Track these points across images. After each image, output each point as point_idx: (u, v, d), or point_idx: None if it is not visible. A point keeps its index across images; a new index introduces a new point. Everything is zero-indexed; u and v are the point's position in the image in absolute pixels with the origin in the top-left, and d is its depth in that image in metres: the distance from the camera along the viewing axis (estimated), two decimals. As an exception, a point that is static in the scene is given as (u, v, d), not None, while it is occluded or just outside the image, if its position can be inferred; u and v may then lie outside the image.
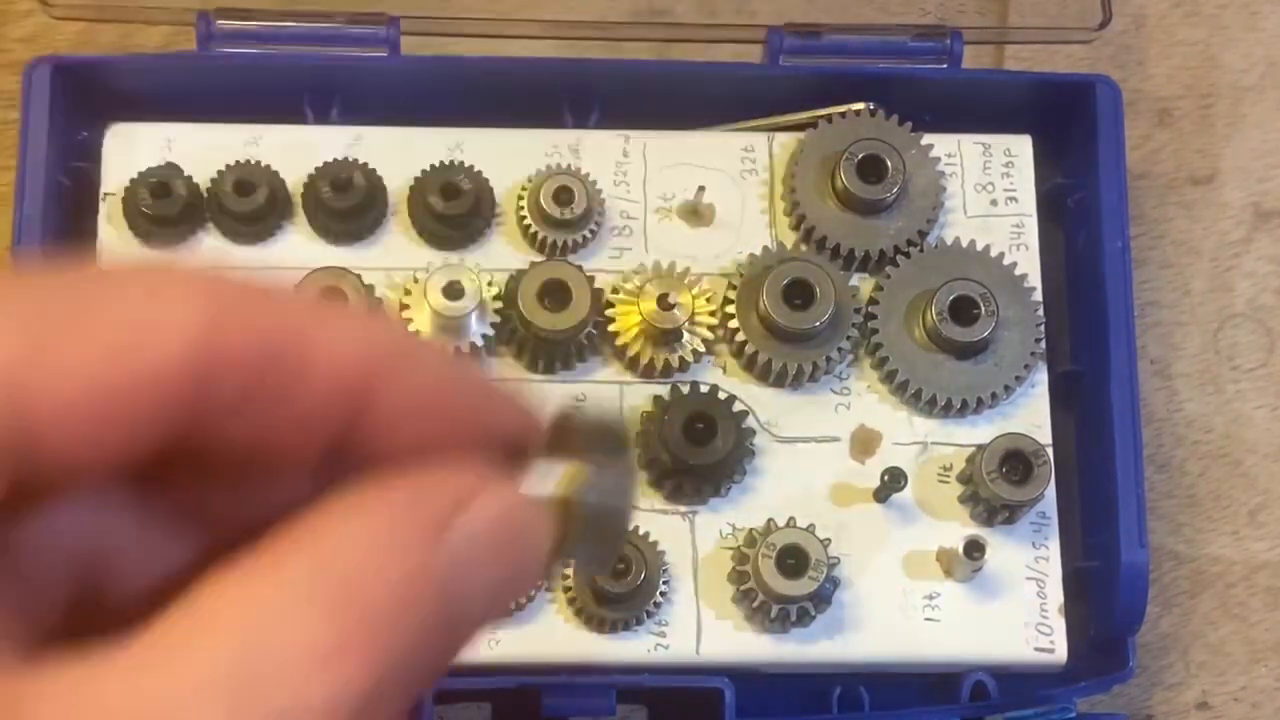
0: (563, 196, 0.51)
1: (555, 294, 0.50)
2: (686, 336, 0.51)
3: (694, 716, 0.49)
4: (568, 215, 0.51)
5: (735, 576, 0.49)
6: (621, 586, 0.48)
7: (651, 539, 0.49)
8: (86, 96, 0.52)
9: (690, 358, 0.51)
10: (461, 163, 0.52)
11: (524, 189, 0.52)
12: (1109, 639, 0.51)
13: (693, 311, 0.51)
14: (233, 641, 0.22)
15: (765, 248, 0.52)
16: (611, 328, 0.51)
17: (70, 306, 0.24)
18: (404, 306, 0.50)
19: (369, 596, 0.23)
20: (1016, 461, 0.50)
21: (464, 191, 0.51)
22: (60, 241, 0.52)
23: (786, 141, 0.53)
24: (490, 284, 0.50)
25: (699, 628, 0.49)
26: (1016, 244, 0.53)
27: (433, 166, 0.52)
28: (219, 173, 0.51)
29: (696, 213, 0.53)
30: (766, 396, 0.51)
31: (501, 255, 0.52)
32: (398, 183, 0.52)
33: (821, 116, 0.54)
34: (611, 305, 0.51)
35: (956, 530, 0.50)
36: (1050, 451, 0.51)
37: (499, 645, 0.49)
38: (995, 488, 0.49)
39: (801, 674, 0.49)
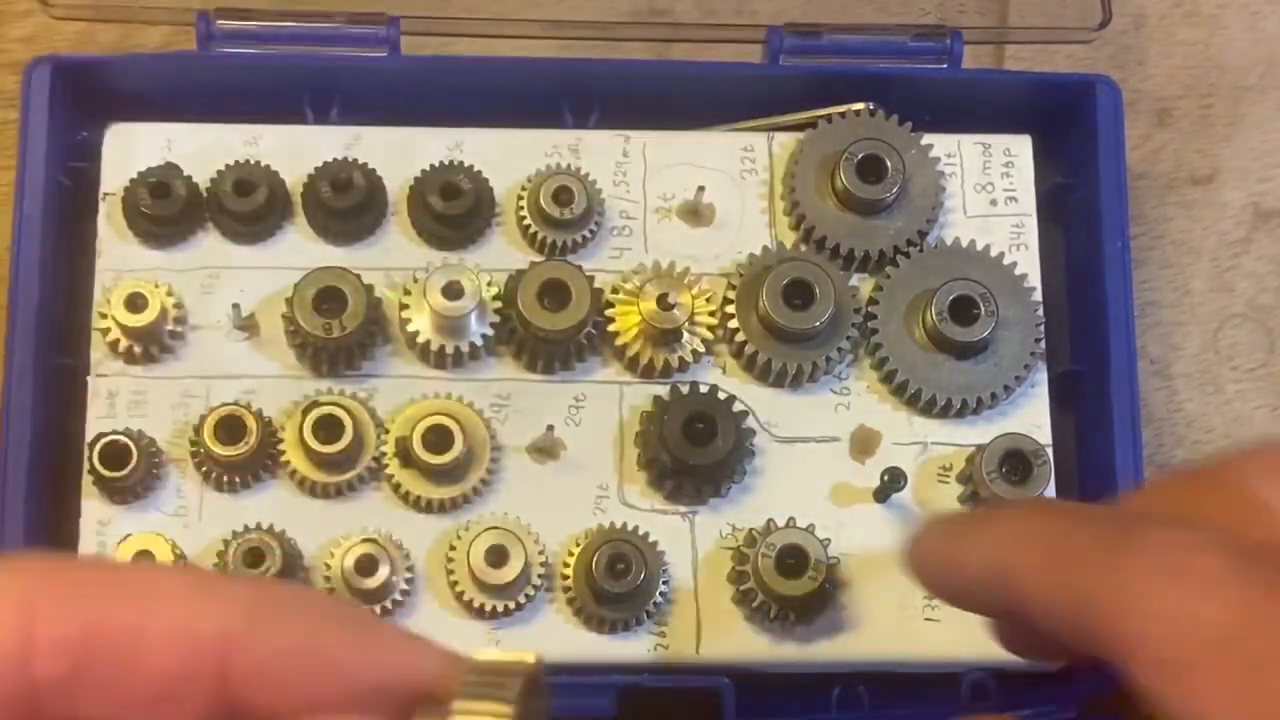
0: (562, 196, 0.51)
1: (555, 294, 0.50)
2: (686, 336, 0.51)
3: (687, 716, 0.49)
4: (567, 215, 0.51)
5: (735, 576, 0.49)
6: (621, 586, 0.48)
7: (651, 539, 0.49)
8: (86, 96, 0.52)
9: (690, 358, 0.51)
10: (461, 163, 0.52)
11: (524, 189, 0.52)
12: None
13: (692, 311, 0.51)
14: None
15: (765, 248, 0.52)
16: (611, 328, 0.51)
17: None
18: (404, 306, 0.50)
19: None
20: (1016, 461, 0.50)
21: (464, 191, 0.51)
22: (60, 241, 0.52)
23: (786, 141, 0.53)
24: (490, 284, 0.51)
25: (699, 628, 0.49)
26: (1016, 244, 0.53)
27: (433, 166, 0.52)
28: (219, 173, 0.51)
29: (696, 213, 0.53)
30: (766, 396, 0.51)
31: (501, 255, 0.52)
32: (397, 183, 0.52)
33: (821, 116, 0.54)
34: (611, 305, 0.51)
35: (956, 530, 0.50)
36: (1050, 451, 0.51)
37: (499, 645, 0.49)
38: (995, 488, 0.49)
39: (801, 674, 0.49)
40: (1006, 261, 0.52)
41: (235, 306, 0.50)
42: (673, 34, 0.59)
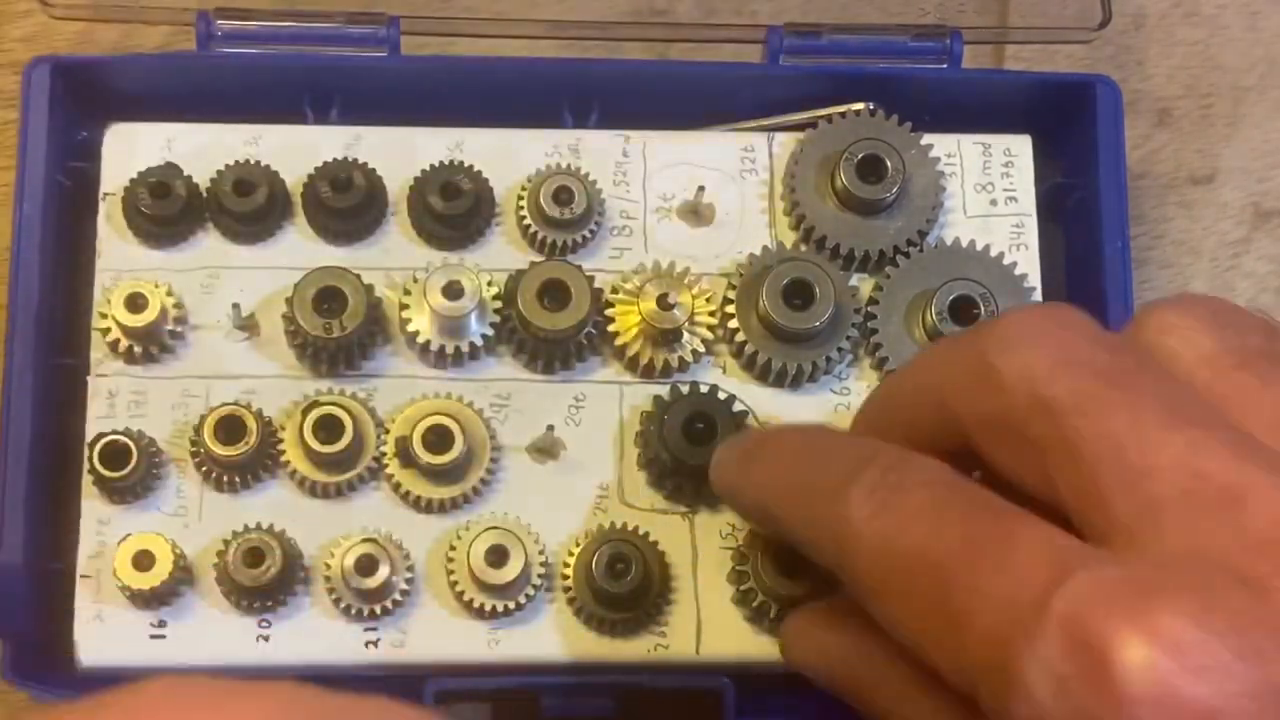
0: (563, 196, 0.51)
1: (555, 294, 0.50)
2: (686, 336, 0.51)
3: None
4: (567, 215, 0.51)
5: (735, 577, 0.49)
6: (621, 586, 0.48)
7: (651, 539, 0.49)
8: (86, 96, 0.52)
9: (690, 358, 0.51)
10: (461, 163, 0.52)
11: (524, 189, 0.52)
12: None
13: (692, 311, 0.51)
14: None
15: (765, 248, 0.52)
16: (611, 328, 0.51)
17: None
18: (404, 306, 0.51)
19: None
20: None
21: (464, 191, 0.51)
22: (60, 241, 0.52)
23: (786, 141, 0.53)
24: (490, 284, 0.51)
25: (699, 628, 0.49)
26: (1016, 244, 0.53)
27: (433, 166, 0.52)
28: (219, 173, 0.51)
29: (696, 213, 0.53)
30: (766, 396, 0.51)
31: (501, 255, 0.52)
32: (397, 183, 0.52)
33: (821, 116, 0.54)
34: (611, 305, 0.51)
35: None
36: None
37: (499, 645, 0.49)
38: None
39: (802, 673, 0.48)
40: (1006, 261, 0.52)
41: (235, 306, 0.50)
42: (672, 34, 0.59)
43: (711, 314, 0.51)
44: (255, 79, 0.53)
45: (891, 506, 0.36)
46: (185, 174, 0.51)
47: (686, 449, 0.49)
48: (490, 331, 0.50)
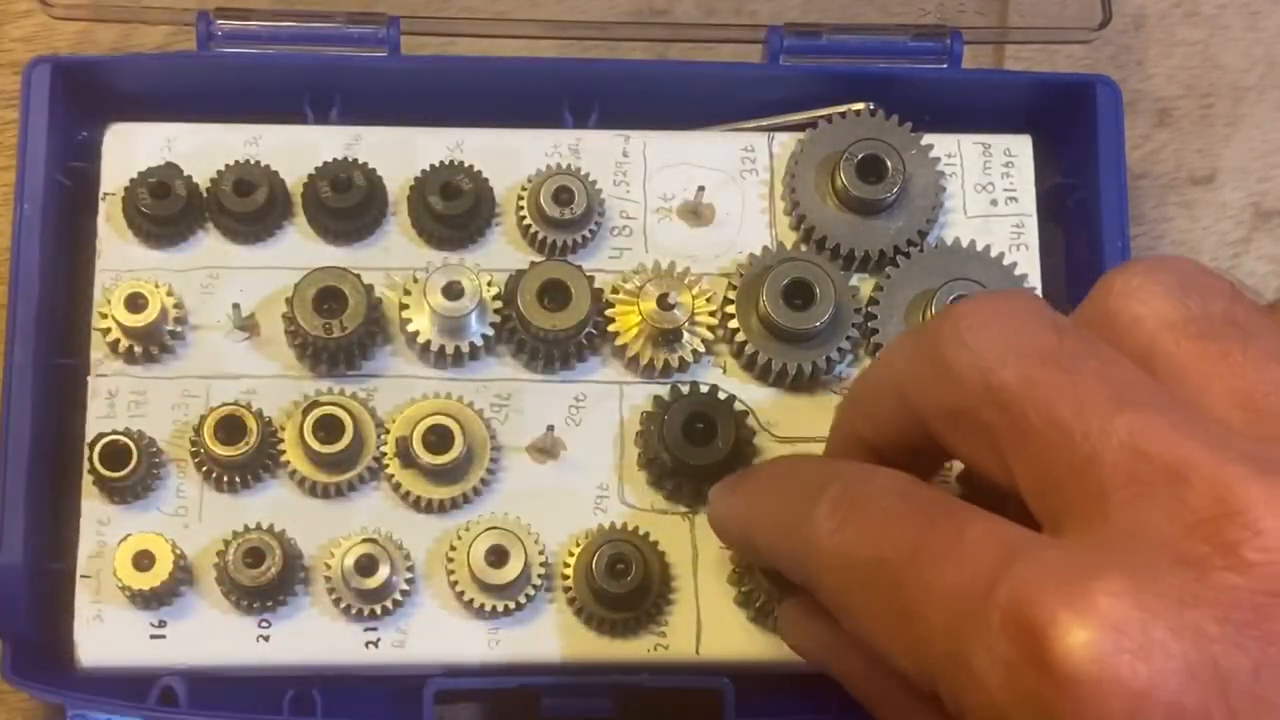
0: (563, 196, 0.51)
1: (555, 294, 0.50)
2: (686, 336, 0.51)
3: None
4: (568, 215, 0.51)
5: (735, 578, 0.49)
6: (621, 586, 0.48)
7: (651, 539, 0.49)
8: (86, 96, 0.52)
9: (690, 358, 0.51)
10: (461, 163, 0.52)
11: (524, 189, 0.52)
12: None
13: (692, 311, 0.51)
14: None
15: (765, 248, 0.52)
16: (611, 328, 0.51)
17: None
18: (404, 306, 0.51)
19: None
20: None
21: (464, 191, 0.51)
22: (60, 241, 0.52)
23: (786, 141, 0.54)
24: (490, 284, 0.51)
25: (699, 628, 0.49)
26: (1016, 244, 0.53)
27: (433, 166, 0.52)
28: (219, 173, 0.51)
29: (696, 213, 0.53)
30: (766, 396, 0.51)
31: (501, 255, 0.52)
32: (398, 183, 0.52)
33: (821, 116, 0.54)
34: (611, 305, 0.51)
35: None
36: None
37: (499, 645, 0.49)
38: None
39: (802, 674, 0.49)
40: (1006, 261, 0.52)
41: (235, 306, 0.50)
42: (672, 34, 0.59)
43: (711, 314, 0.51)
44: (255, 79, 0.53)
45: (852, 520, 0.37)
46: (185, 174, 0.51)
47: (686, 449, 0.49)
48: (490, 331, 0.50)
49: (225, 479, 0.49)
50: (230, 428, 0.49)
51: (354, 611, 0.48)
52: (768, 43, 0.54)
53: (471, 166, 0.52)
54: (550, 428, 0.50)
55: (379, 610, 0.48)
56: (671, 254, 0.52)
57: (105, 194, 0.52)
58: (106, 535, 0.49)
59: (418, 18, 0.54)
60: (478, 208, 0.52)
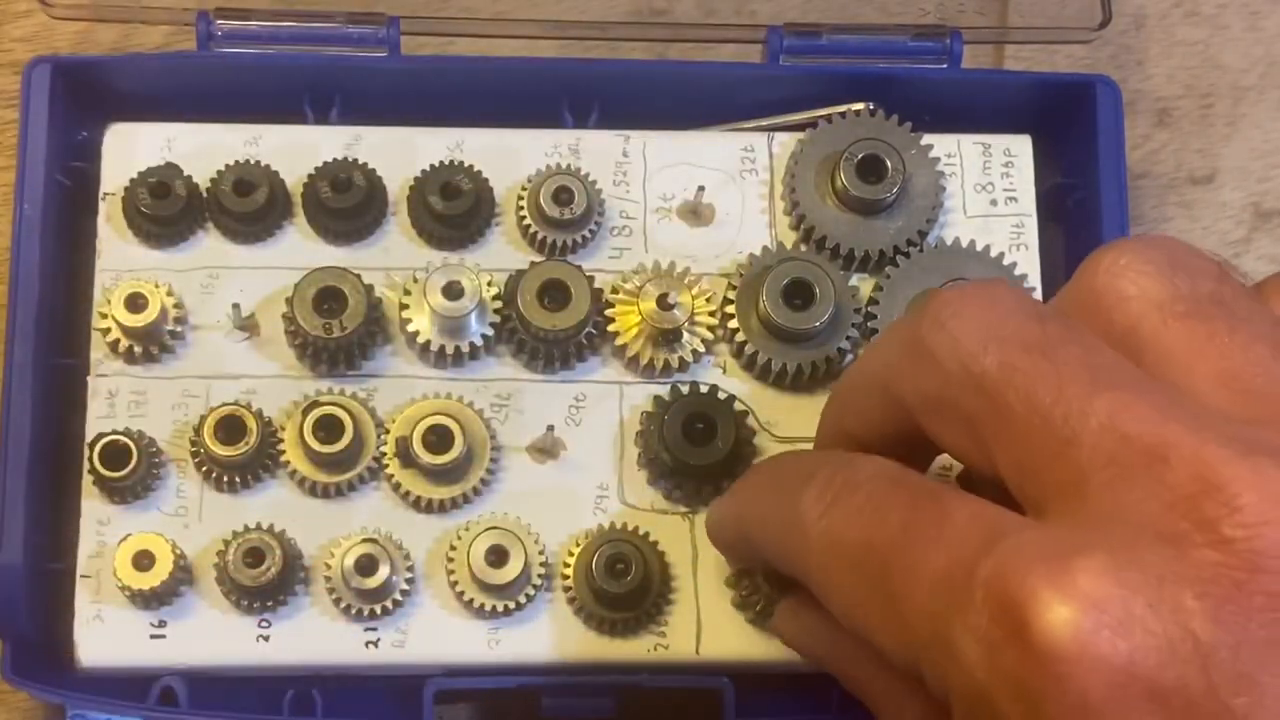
0: (563, 196, 0.51)
1: (555, 294, 0.50)
2: (686, 336, 0.51)
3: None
4: (567, 215, 0.51)
5: (734, 581, 0.49)
6: (621, 586, 0.48)
7: (651, 539, 0.49)
8: (86, 96, 0.52)
9: (690, 358, 0.51)
10: (461, 163, 0.52)
11: (524, 189, 0.52)
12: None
13: (692, 311, 0.51)
14: None
15: (765, 248, 0.52)
16: (611, 328, 0.51)
17: None
18: (404, 306, 0.51)
19: None
20: None
21: (464, 191, 0.51)
22: (60, 241, 0.52)
23: (786, 141, 0.54)
24: (490, 284, 0.51)
25: (699, 628, 0.49)
26: (1016, 244, 0.53)
27: (433, 166, 0.52)
28: (219, 173, 0.51)
29: (696, 213, 0.53)
30: (766, 396, 0.51)
31: (501, 255, 0.52)
32: (398, 183, 0.52)
33: (821, 116, 0.54)
34: (611, 305, 0.51)
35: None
36: None
37: (498, 645, 0.49)
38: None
39: (801, 674, 0.49)
40: (1006, 261, 0.52)
41: (235, 306, 0.50)
42: (672, 34, 0.59)
43: (711, 314, 0.51)
44: (255, 79, 0.53)
45: (838, 504, 0.37)
46: (185, 174, 0.51)
47: (686, 449, 0.49)
48: (490, 331, 0.50)
49: (225, 479, 0.49)
50: (230, 428, 0.49)
51: (354, 611, 0.48)
52: (768, 43, 0.54)
53: (471, 166, 0.52)
54: (550, 428, 0.50)
55: (379, 610, 0.48)
56: (671, 254, 0.52)
57: (105, 194, 0.52)
58: (106, 535, 0.49)
59: (418, 18, 0.54)
60: (478, 208, 0.52)
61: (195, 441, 0.49)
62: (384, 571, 0.48)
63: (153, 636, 0.48)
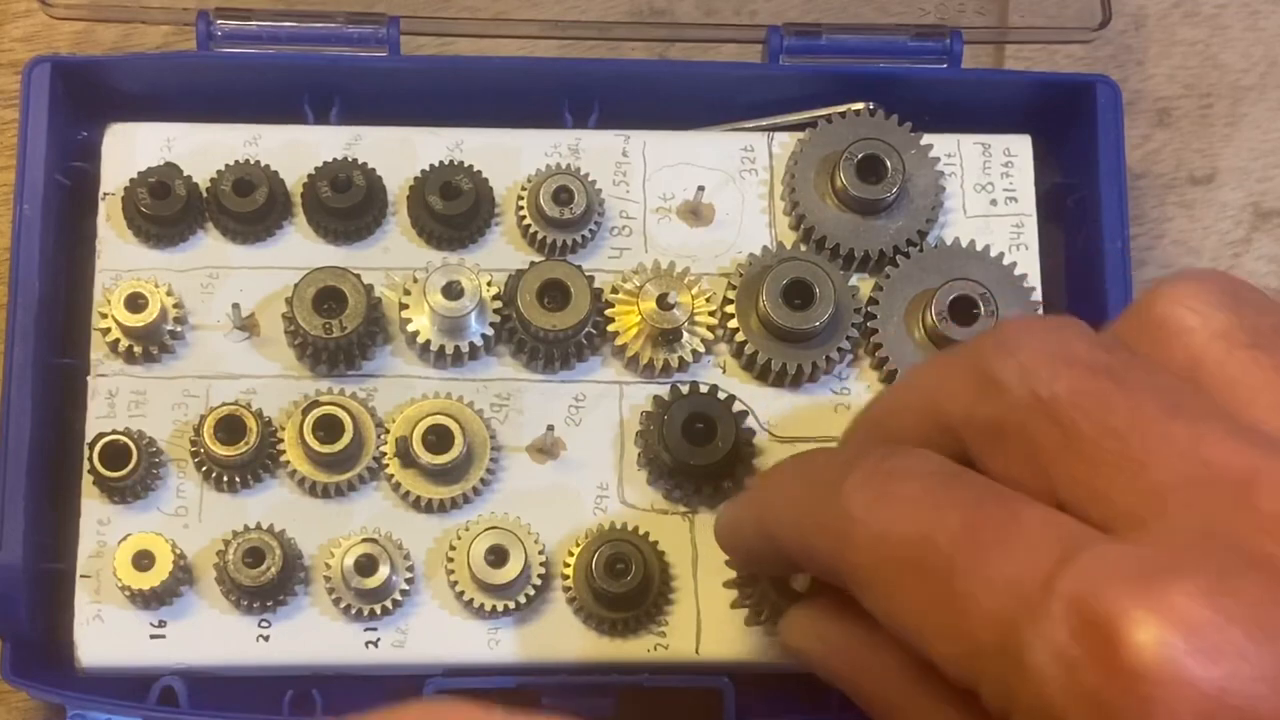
0: (562, 196, 0.51)
1: (555, 294, 0.50)
2: (686, 336, 0.51)
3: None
4: (567, 215, 0.51)
5: (739, 586, 0.49)
6: (621, 586, 0.48)
7: (651, 539, 0.49)
8: (86, 96, 0.52)
9: (690, 358, 0.51)
10: (461, 163, 0.52)
11: (524, 189, 0.52)
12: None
13: (692, 311, 0.51)
14: None
15: (765, 248, 0.52)
16: (611, 327, 0.51)
17: None
18: (404, 306, 0.51)
19: None
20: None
21: (464, 191, 0.51)
22: (59, 241, 0.52)
23: (786, 141, 0.54)
24: (490, 284, 0.51)
25: (699, 628, 0.49)
26: (1016, 244, 0.53)
27: (432, 166, 0.52)
28: (218, 172, 0.51)
29: (696, 213, 0.53)
30: (766, 396, 0.51)
31: (501, 255, 0.52)
32: (397, 183, 0.52)
33: (821, 116, 0.54)
34: (611, 305, 0.51)
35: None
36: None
37: (499, 645, 0.49)
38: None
39: (801, 674, 0.49)
40: (1006, 261, 0.52)
41: (235, 306, 0.50)
42: (673, 34, 0.59)
43: (711, 314, 0.51)
44: (255, 79, 0.53)
45: (888, 495, 0.35)
46: (185, 174, 0.51)
47: (686, 449, 0.49)
48: (490, 331, 0.50)
49: (225, 479, 0.49)
50: (230, 428, 0.49)
51: (354, 611, 0.48)
52: (768, 43, 0.54)
53: (471, 166, 0.52)
54: (550, 428, 0.50)
55: (379, 610, 0.48)
56: (671, 254, 0.52)
57: (105, 194, 0.52)
58: (106, 535, 0.49)
59: (418, 18, 0.54)
60: (477, 208, 0.52)
61: (195, 441, 0.49)
62: (384, 571, 0.48)
63: (153, 636, 0.48)
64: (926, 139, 0.53)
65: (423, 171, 0.52)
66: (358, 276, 0.50)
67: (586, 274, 0.50)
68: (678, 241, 0.53)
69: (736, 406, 0.50)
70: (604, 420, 0.51)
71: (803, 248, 0.52)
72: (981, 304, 0.51)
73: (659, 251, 0.52)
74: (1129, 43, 0.61)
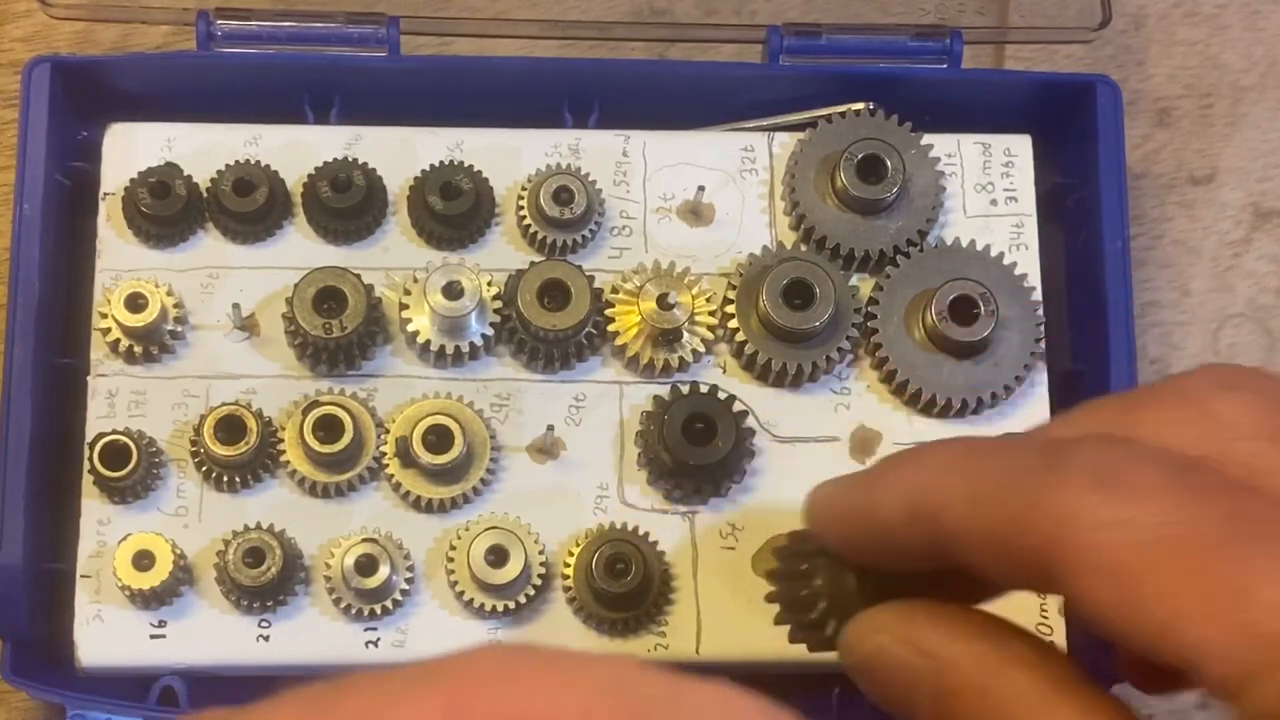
0: (562, 196, 0.51)
1: (555, 294, 0.50)
2: (686, 336, 0.51)
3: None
4: (567, 215, 0.51)
5: (787, 578, 0.47)
6: (621, 586, 0.48)
7: (651, 539, 0.49)
8: (86, 96, 0.52)
9: (690, 358, 0.51)
10: (461, 163, 0.52)
11: (524, 189, 0.52)
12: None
13: (692, 311, 0.51)
14: None
15: (765, 248, 0.52)
16: (611, 327, 0.51)
17: None
18: (404, 306, 0.51)
19: None
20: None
21: (464, 191, 0.51)
22: (60, 241, 0.52)
23: (786, 141, 0.54)
24: (490, 284, 0.51)
25: (699, 627, 0.49)
26: (1016, 244, 0.53)
27: (432, 166, 0.52)
28: (219, 172, 0.51)
29: (696, 213, 0.53)
30: (766, 396, 0.51)
31: (501, 255, 0.52)
32: (397, 183, 0.52)
33: (821, 116, 0.54)
34: (611, 305, 0.51)
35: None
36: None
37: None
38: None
39: (801, 674, 0.49)
40: (1006, 261, 0.52)
41: (235, 306, 0.50)
42: (672, 34, 0.59)
43: (711, 314, 0.51)
44: (255, 79, 0.53)
45: (1126, 486, 0.32)
46: (185, 174, 0.51)
47: (686, 449, 0.49)
48: (490, 331, 0.50)
49: (225, 479, 0.49)
50: (230, 428, 0.49)
51: (354, 611, 0.48)
52: (768, 43, 0.54)
53: (471, 166, 0.52)
54: (550, 428, 0.50)
55: (379, 610, 0.48)
56: (671, 254, 0.52)
57: (105, 194, 0.52)
58: (106, 535, 0.49)
59: (417, 18, 0.54)
60: (478, 208, 0.52)
61: (195, 441, 0.49)
62: (384, 571, 0.48)
63: (153, 636, 0.48)
64: (926, 139, 0.53)
65: (423, 171, 0.52)
66: (358, 276, 0.50)
67: (586, 274, 0.50)
68: (678, 241, 0.53)
69: (736, 406, 0.50)
70: (604, 420, 0.51)
71: (803, 248, 0.52)
72: (981, 304, 0.51)
73: (659, 251, 0.52)
74: (1129, 43, 0.61)
